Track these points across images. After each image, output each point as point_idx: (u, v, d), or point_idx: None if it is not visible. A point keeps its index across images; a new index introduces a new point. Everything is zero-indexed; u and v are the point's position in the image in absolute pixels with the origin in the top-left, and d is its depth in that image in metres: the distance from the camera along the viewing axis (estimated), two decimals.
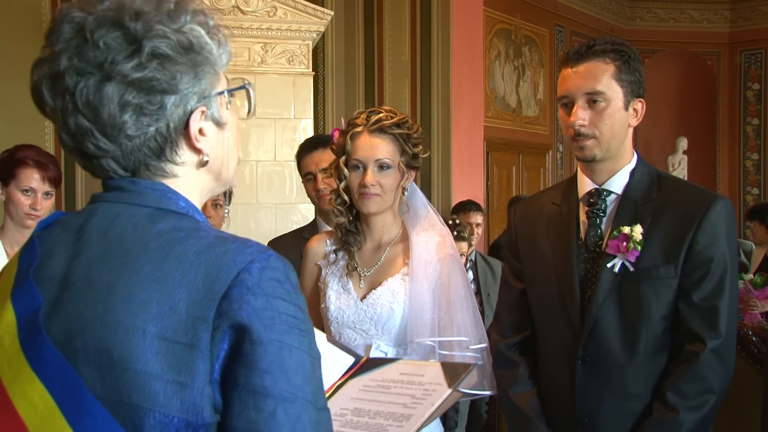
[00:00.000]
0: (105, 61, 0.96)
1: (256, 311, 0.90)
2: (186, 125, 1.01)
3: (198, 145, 1.03)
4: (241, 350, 0.90)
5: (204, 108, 1.02)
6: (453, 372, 1.68)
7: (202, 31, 1.02)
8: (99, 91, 0.96)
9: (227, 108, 1.08)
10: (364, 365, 1.68)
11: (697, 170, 9.77)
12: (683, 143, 9.79)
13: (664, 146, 9.72)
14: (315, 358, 0.95)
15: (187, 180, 1.05)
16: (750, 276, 4.51)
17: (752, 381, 2.16)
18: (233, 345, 0.90)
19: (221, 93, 1.06)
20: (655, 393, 1.81)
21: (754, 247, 5.78)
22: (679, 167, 9.73)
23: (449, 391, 1.63)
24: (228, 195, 2.99)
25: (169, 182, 1.03)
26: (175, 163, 1.03)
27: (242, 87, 1.09)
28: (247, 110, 1.11)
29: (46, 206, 2.61)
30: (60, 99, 0.98)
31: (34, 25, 5.35)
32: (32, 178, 2.59)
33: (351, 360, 1.67)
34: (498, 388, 2.02)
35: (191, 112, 1.01)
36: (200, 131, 1.03)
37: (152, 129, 0.99)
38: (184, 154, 1.03)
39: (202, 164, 1.05)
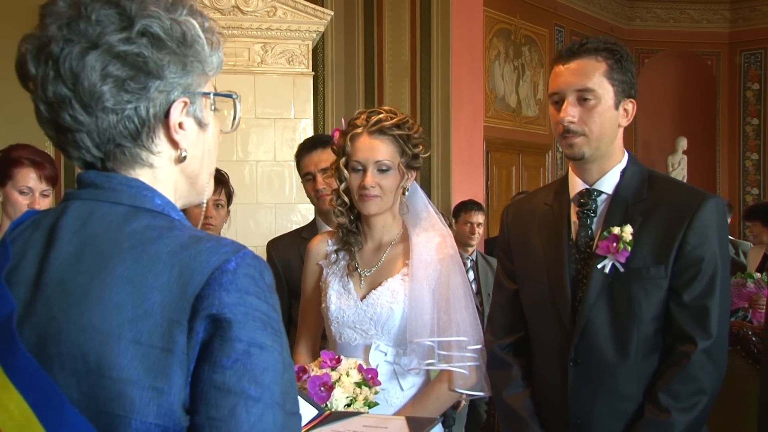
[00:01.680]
0: (94, 33, 0.94)
1: (228, 306, 0.88)
2: (167, 114, 0.99)
3: (176, 137, 1.00)
4: (208, 346, 0.88)
5: (187, 100, 1.00)
6: (417, 425, 1.68)
7: (197, 26, 1.01)
8: (82, 58, 0.94)
9: (211, 111, 1.06)
10: (326, 418, 1.66)
11: (696, 170, 9.77)
12: (683, 143, 9.79)
13: (663, 146, 9.72)
14: (287, 361, 0.93)
15: (164, 173, 1.02)
16: (757, 275, 4.49)
17: (751, 381, 2.16)
18: (204, 342, 0.88)
19: (207, 94, 1.04)
20: (646, 394, 1.81)
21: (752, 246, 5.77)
22: (679, 167, 9.73)
23: None
24: (229, 196, 3.00)
25: (145, 173, 1.01)
26: (152, 152, 1.00)
27: (229, 96, 1.07)
28: (231, 122, 1.10)
29: (44, 205, 2.59)
30: (43, 66, 0.96)
31: (34, 25, 5.35)
32: (29, 177, 2.57)
33: (314, 412, 1.65)
34: (492, 389, 2.02)
35: (173, 102, 0.99)
36: (180, 125, 1.00)
37: (131, 107, 0.96)
38: (162, 143, 1.00)
39: (180, 160, 1.02)
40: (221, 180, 2.88)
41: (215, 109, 1.06)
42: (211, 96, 1.05)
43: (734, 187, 10.25)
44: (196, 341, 0.88)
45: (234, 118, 1.10)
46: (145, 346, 0.88)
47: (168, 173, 1.03)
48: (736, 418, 2.18)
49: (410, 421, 1.70)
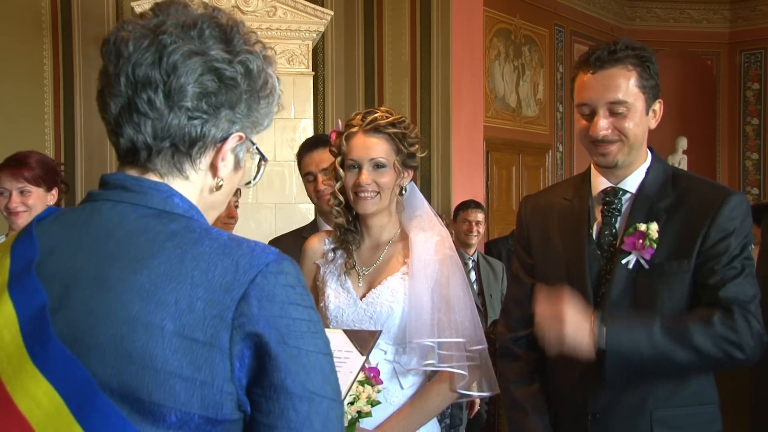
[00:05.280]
0: (203, 44, 1.01)
1: (273, 318, 0.94)
2: (222, 141, 1.04)
3: (220, 164, 1.06)
4: (269, 355, 0.94)
5: (243, 135, 1.06)
6: (360, 339, 1.71)
7: (277, 85, 1.09)
8: (188, 58, 0.99)
9: (248, 159, 1.11)
10: None
11: (697, 170, 9.75)
12: (683, 143, 9.80)
13: (664, 146, 9.71)
14: (329, 353, 1.00)
15: (193, 190, 1.06)
16: None
17: (746, 380, 2.17)
18: (257, 350, 0.94)
19: (253, 143, 1.10)
20: (666, 387, 1.81)
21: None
22: (679, 167, 9.73)
23: (363, 357, 1.67)
24: (236, 195, 3.05)
25: (178, 183, 1.05)
26: (193, 167, 1.05)
27: (264, 158, 1.13)
28: (253, 178, 1.15)
29: (30, 202, 2.66)
30: (144, 49, 1.00)
31: (34, 25, 5.35)
32: (2, 179, 2.67)
33: None
34: (500, 379, 2.03)
35: (232, 133, 1.05)
36: (224, 156, 1.06)
37: (200, 120, 1.02)
38: (204, 164, 1.05)
39: (217, 188, 1.08)
40: None
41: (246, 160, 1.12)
42: (254, 147, 1.11)
43: (734, 187, 10.16)
44: (241, 341, 0.93)
45: (256, 176, 1.16)
46: (187, 339, 0.92)
47: (196, 192, 1.07)
48: (729, 416, 2.19)
49: (349, 334, 1.73)
